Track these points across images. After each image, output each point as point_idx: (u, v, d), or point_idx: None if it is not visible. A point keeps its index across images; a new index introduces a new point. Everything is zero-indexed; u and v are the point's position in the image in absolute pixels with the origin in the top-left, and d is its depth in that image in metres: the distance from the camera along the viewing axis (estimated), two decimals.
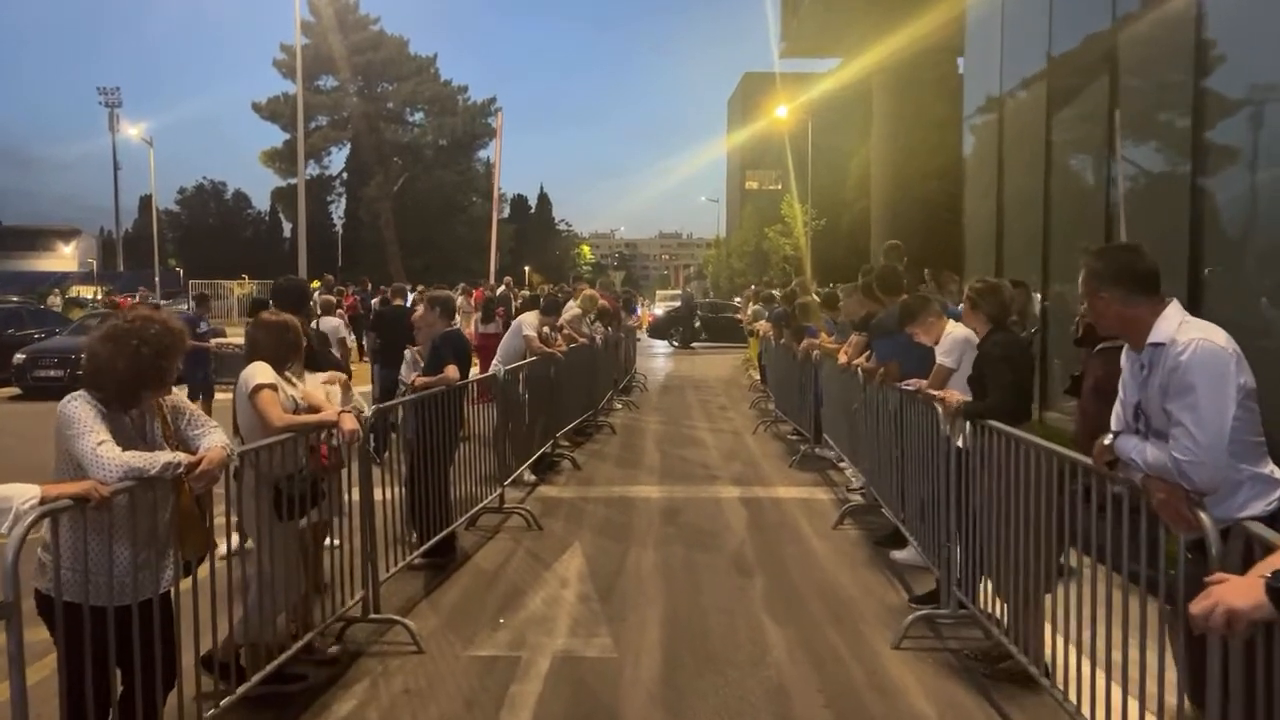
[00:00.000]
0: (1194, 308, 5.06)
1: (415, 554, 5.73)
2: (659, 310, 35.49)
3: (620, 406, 14.12)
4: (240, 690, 3.74)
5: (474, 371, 8.75)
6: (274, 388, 4.17)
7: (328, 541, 4.68)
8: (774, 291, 19.35)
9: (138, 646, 3.06)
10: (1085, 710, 3.43)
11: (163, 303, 35.61)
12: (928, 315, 5.56)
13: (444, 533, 6.05)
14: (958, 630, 4.87)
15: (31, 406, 14.27)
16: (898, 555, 6.24)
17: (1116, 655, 3.20)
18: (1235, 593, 1.96)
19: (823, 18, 26.94)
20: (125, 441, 3.07)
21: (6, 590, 2.55)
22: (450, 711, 4.10)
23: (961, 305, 5.31)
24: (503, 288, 22.24)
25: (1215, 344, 2.67)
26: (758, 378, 16.28)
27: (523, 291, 24.45)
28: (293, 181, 53.22)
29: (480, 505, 7.01)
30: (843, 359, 7.70)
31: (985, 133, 14.31)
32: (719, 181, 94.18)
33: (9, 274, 49.06)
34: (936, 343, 5.52)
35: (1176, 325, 2.77)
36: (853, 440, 7.94)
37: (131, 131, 54.23)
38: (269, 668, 3.96)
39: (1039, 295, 10.32)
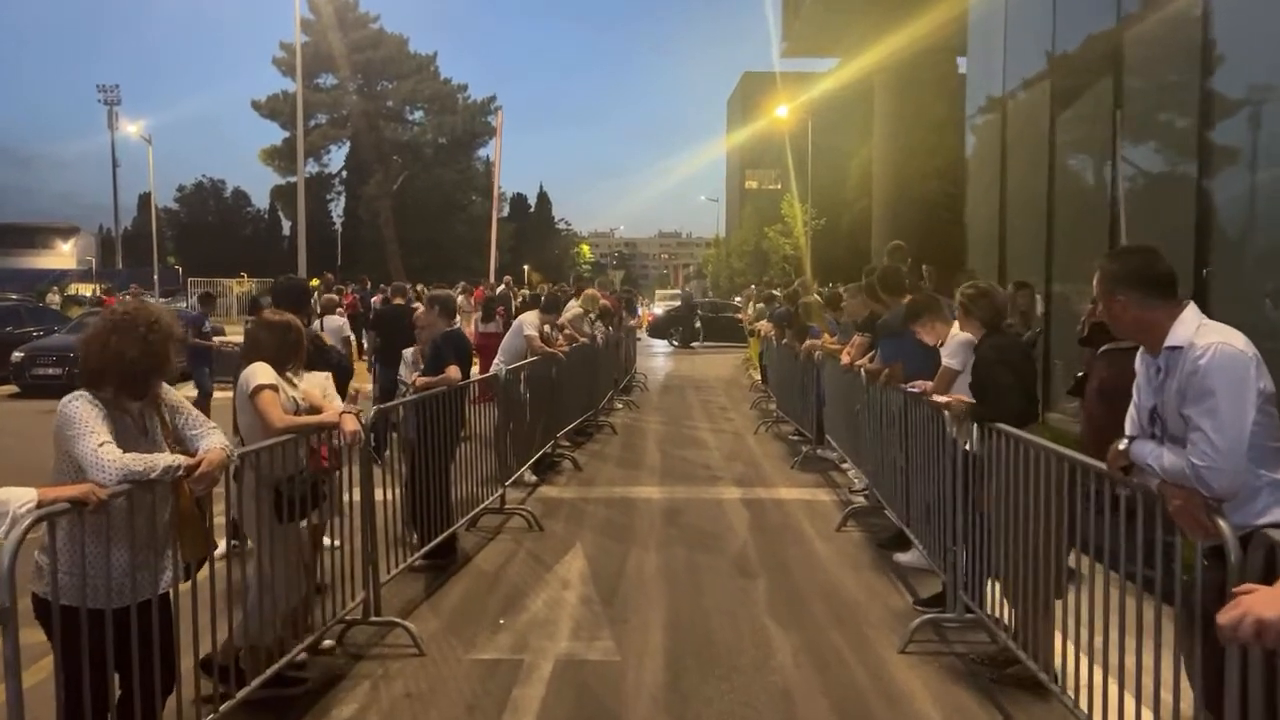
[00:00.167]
0: (1200, 310, 5.01)
1: (416, 555, 5.68)
2: (658, 310, 35.49)
3: (620, 406, 14.08)
4: (240, 694, 3.69)
5: (474, 371, 8.72)
6: (275, 388, 4.13)
7: (326, 541, 4.64)
8: (775, 291, 19.32)
9: (136, 649, 3.02)
10: (1096, 718, 3.38)
11: (162, 300, 35.58)
12: (934, 316, 5.52)
13: (445, 534, 6.01)
14: (964, 634, 4.83)
15: (30, 405, 14.20)
16: (901, 558, 6.20)
17: (1130, 662, 3.15)
18: (1264, 603, 1.92)
19: (823, 17, 26.93)
20: (128, 440, 3.03)
21: (2, 595, 2.51)
22: (452, 715, 4.05)
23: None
24: (502, 287, 22.20)
25: (1235, 348, 2.63)
26: (758, 378, 16.25)
27: (523, 291, 24.42)
28: (292, 179, 53.21)
29: (481, 506, 6.97)
30: (845, 360, 7.66)
31: (987, 132, 14.28)
32: (718, 181, 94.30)
33: (7, 271, 48.89)
34: (940, 344, 5.48)
35: (1194, 328, 2.73)
36: (855, 441, 7.90)
37: (131, 129, 54.11)
38: (269, 671, 3.91)
39: (1040, 296, 10.28)
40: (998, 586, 4.46)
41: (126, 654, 3.02)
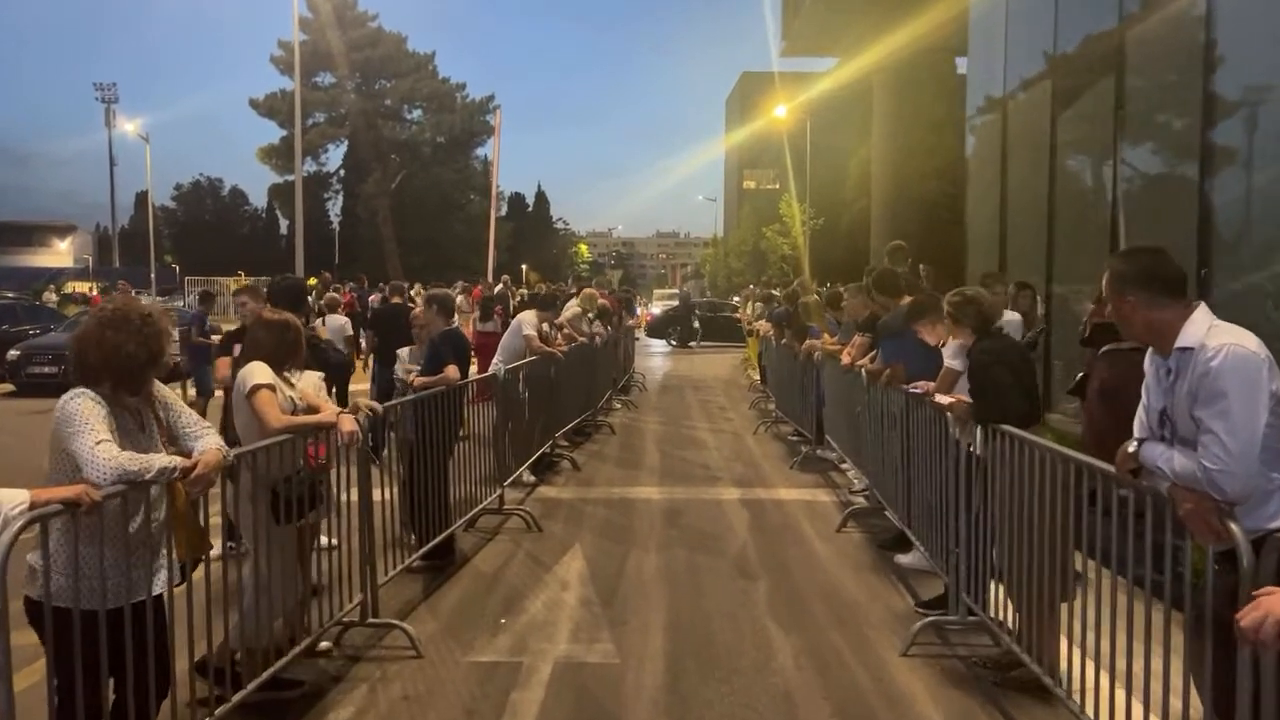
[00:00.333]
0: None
1: (414, 556, 5.64)
2: (657, 309, 35.47)
3: (619, 406, 14.04)
4: (236, 697, 3.64)
5: (472, 370, 8.68)
6: (272, 388, 4.08)
7: (324, 541, 4.59)
8: (774, 291, 19.30)
9: (130, 649, 2.98)
10: None
11: (159, 299, 35.52)
12: (937, 316, 5.48)
13: (443, 535, 5.97)
14: (966, 637, 4.80)
15: (26, 403, 14.14)
16: (902, 559, 6.16)
17: (1137, 667, 3.12)
18: None
19: (823, 17, 26.98)
20: (127, 436, 3.01)
21: None
22: (450, 719, 4.01)
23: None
24: (500, 286, 22.16)
25: (1247, 349, 2.59)
26: (757, 378, 16.22)
27: (521, 290, 24.37)
28: (290, 178, 53.06)
29: (480, 506, 6.93)
30: (846, 360, 7.62)
31: (988, 132, 14.27)
32: (717, 181, 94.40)
33: (4, 269, 48.88)
34: (942, 344, 5.45)
35: (1205, 329, 2.69)
36: (855, 442, 7.86)
37: (128, 127, 53.98)
38: (265, 674, 3.87)
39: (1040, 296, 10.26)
40: (1000, 589, 4.42)
41: (121, 657, 2.98)
